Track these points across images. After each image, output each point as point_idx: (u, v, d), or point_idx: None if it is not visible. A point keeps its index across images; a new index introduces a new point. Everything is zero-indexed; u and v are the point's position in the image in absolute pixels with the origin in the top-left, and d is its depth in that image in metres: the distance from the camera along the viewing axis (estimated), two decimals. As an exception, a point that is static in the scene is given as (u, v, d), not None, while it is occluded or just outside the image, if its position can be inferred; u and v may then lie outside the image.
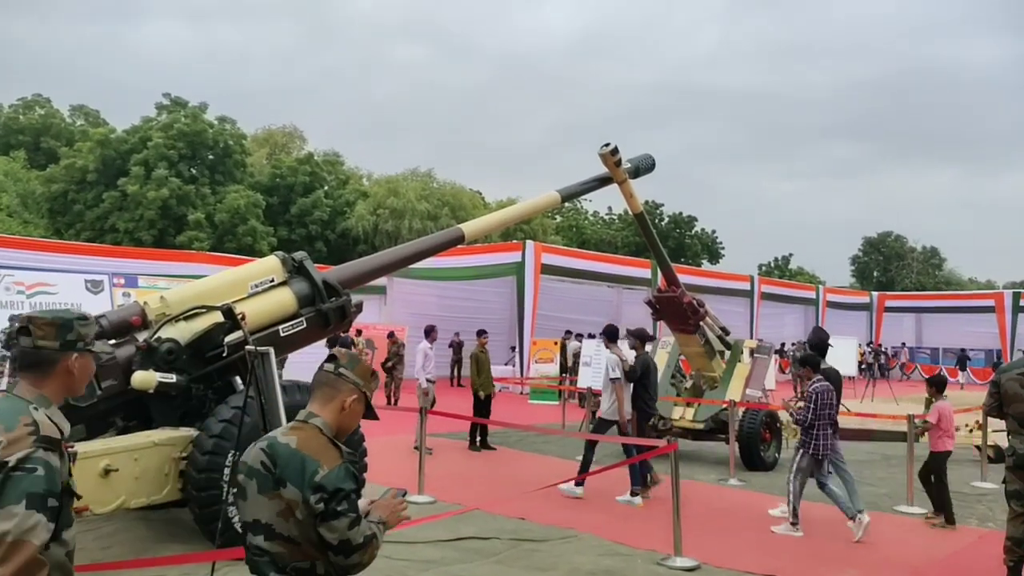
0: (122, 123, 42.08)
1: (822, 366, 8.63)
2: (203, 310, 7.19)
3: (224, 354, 6.93)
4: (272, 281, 7.68)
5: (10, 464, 2.27)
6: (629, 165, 11.13)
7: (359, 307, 8.29)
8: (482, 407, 13.10)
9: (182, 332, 7.04)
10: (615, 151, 10.58)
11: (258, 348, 5.13)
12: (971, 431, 12.65)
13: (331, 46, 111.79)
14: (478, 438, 12.85)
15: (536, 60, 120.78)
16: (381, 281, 28.05)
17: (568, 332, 23.52)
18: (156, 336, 6.90)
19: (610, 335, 10.15)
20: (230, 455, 6.25)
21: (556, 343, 23.52)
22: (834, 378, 8.60)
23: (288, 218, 42.10)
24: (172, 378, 6.77)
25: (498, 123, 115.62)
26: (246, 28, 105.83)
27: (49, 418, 2.42)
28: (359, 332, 21.63)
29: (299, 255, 8.05)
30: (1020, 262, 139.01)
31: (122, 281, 23.66)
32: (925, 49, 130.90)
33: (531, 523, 7.94)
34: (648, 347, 10.56)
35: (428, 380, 13.02)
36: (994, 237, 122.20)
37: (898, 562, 6.99)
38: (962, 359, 36.77)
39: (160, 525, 7.36)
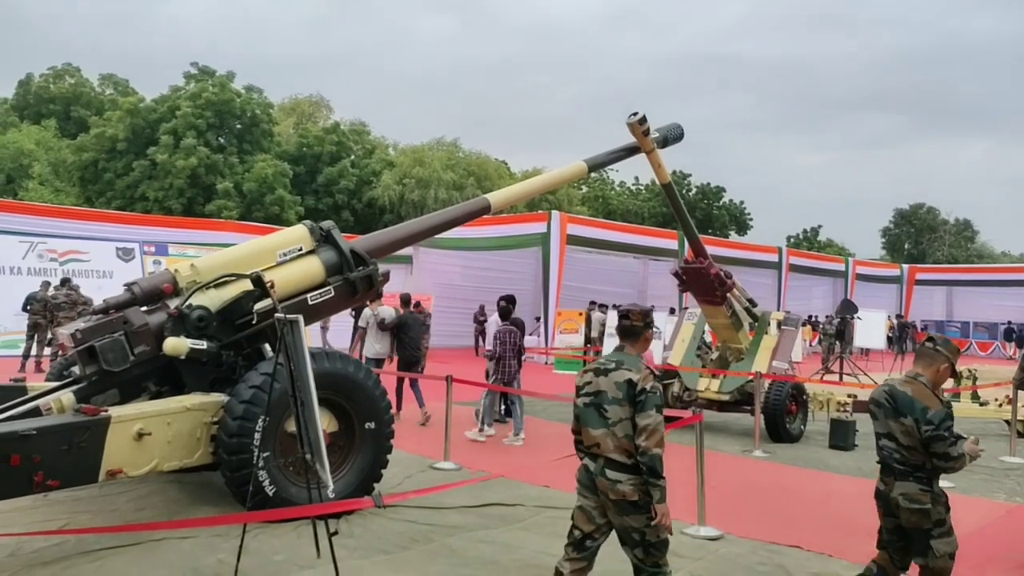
0: (151, 92, 42.49)
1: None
2: (233, 278, 7.29)
3: (253, 321, 7.05)
4: (300, 250, 7.76)
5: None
6: (657, 135, 11.02)
7: (386, 276, 8.35)
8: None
9: (212, 300, 7.15)
10: (643, 120, 10.46)
11: (287, 316, 5.18)
12: (1000, 405, 12.51)
13: (359, 16, 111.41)
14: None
15: (564, 32, 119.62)
16: (407, 251, 28.15)
17: (593, 303, 23.49)
18: (187, 303, 7.02)
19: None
20: (260, 420, 6.36)
21: (581, 314, 23.52)
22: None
23: (315, 187, 42.29)
24: (203, 344, 6.89)
25: (525, 95, 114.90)
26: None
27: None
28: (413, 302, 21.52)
29: (327, 224, 8.10)
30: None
31: (152, 249, 24.04)
32: (958, 20, 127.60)
33: (555, 491, 8.01)
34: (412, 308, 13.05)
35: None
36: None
37: (924, 535, 6.96)
38: (1008, 331, 36.12)
39: (193, 488, 7.53)
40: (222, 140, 40.21)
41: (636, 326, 4.47)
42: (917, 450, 4.51)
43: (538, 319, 26.21)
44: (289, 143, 44.28)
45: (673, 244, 28.60)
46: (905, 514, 4.62)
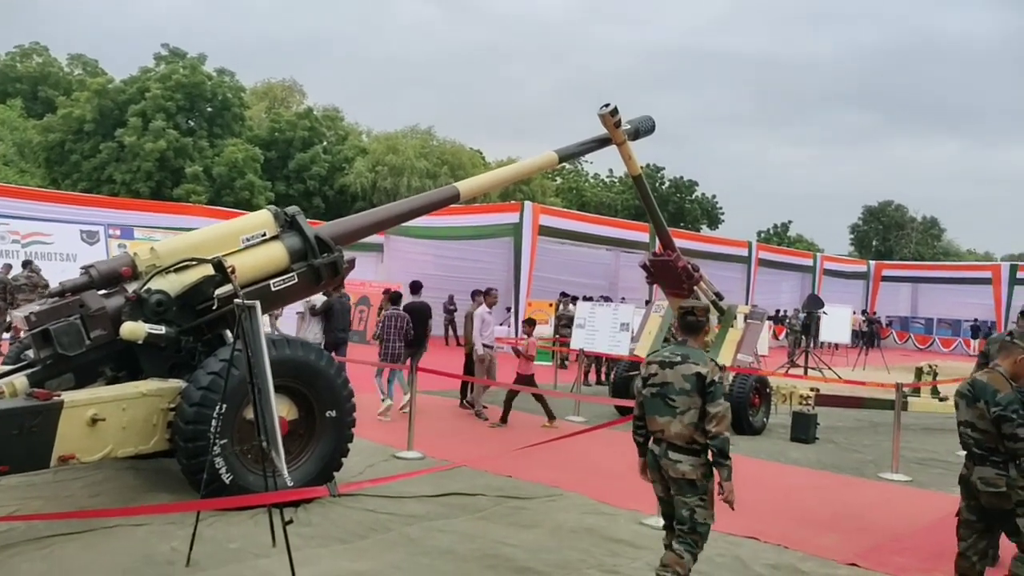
0: (121, 74, 41.71)
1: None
2: (194, 262, 7.19)
3: (214, 307, 6.95)
4: (264, 235, 7.67)
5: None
6: (629, 127, 11.00)
7: (351, 263, 8.27)
8: (474, 365, 13.07)
9: (172, 284, 7.05)
10: (615, 112, 10.44)
11: (245, 302, 5.11)
12: (960, 401, 12.72)
13: (335, 1, 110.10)
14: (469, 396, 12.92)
15: (543, 21, 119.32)
16: (378, 239, 28.08)
17: (563, 294, 23.50)
18: (146, 287, 6.91)
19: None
20: (217, 407, 6.27)
21: (551, 305, 23.53)
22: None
23: (286, 173, 41.88)
24: (161, 329, 6.79)
25: (502, 84, 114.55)
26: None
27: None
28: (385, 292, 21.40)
29: (292, 209, 8.01)
30: (1019, 235, 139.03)
31: (118, 232, 23.63)
32: (933, 19, 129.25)
33: (517, 480, 8.02)
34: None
35: (485, 346, 12.21)
36: (994, 209, 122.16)
37: (879, 528, 7.07)
38: (975, 328, 36.75)
39: (149, 474, 7.43)
40: (192, 123, 39.64)
41: (700, 321, 4.96)
42: (991, 434, 4.92)
43: (509, 309, 26.20)
44: (261, 128, 43.77)
45: (645, 237, 28.71)
46: (984, 497, 5.02)
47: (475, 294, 13.52)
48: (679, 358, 4.75)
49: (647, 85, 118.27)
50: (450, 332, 25.77)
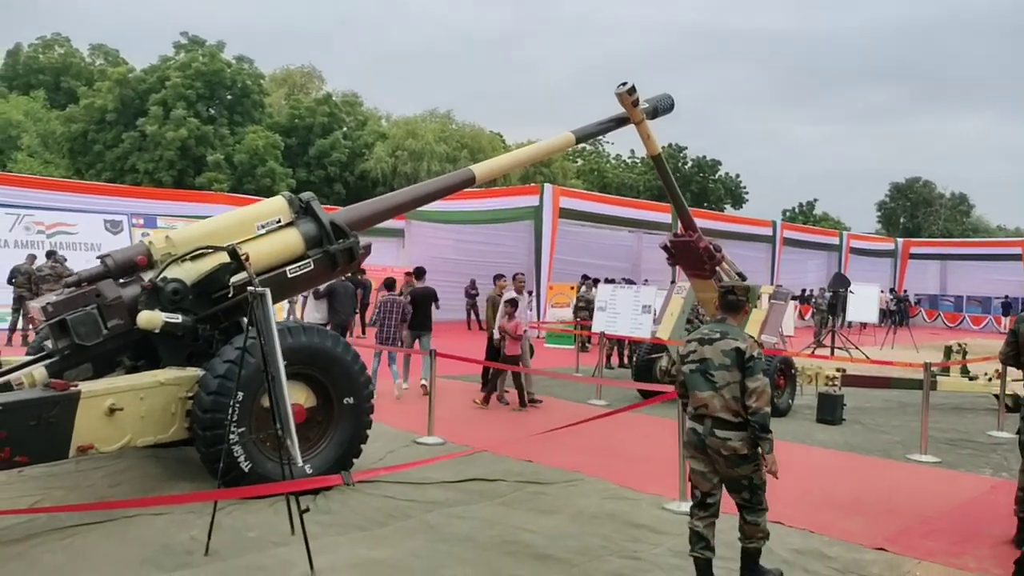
0: (142, 63, 41.83)
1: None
2: (209, 250, 7.16)
3: (230, 295, 6.93)
4: (279, 222, 7.61)
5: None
6: (647, 105, 10.84)
7: (368, 249, 8.21)
8: (495, 350, 12.98)
9: (188, 272, 7.02)
10: (632, 90, 10.28)
11: (256, 289, 5.06)
12: (990, 379, 12.47)
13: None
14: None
15: (561, 2, 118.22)
16: (399, 224, 28.09)
17: (585, 277, 23.37)
18: (162, 276, 6.89)
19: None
20: (235, 395, 6.24)
21: (572, 287, 23.42)
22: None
23: (307, 159, 41.92)
24: (178, 318, 6.78)
25: (521, 66, 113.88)
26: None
27: None
28: (409, 274, 21.31)
29: (306, 196, 7.95)
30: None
31: (141, 221, 23.80)
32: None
33: (538, 465, 7.95)
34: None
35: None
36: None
37: (908, 511, 6.91)
38: (1006, 305, 36.13)
39: (171, 463, 7.45)
40: (212, 111, 39.74)
41: (740, 300, 5.11)
42: None
43: (531, 293, 26.09)
44: (280, 114, 43.81)
45: (667, 218, 28.41)
46: None
47: (497, 278, 13.43)
48: (718, 335, 4.89)
49: (668, 65, 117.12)
50: (472, 316, 25.71)
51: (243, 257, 6.73)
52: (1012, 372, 10.20)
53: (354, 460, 7.10)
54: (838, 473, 8.29)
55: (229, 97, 40.60)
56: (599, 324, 15.70)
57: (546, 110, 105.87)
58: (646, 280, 25.78)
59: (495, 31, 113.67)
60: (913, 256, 41.90)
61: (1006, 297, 36.56)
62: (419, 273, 13.38)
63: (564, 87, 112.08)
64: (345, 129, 44.13)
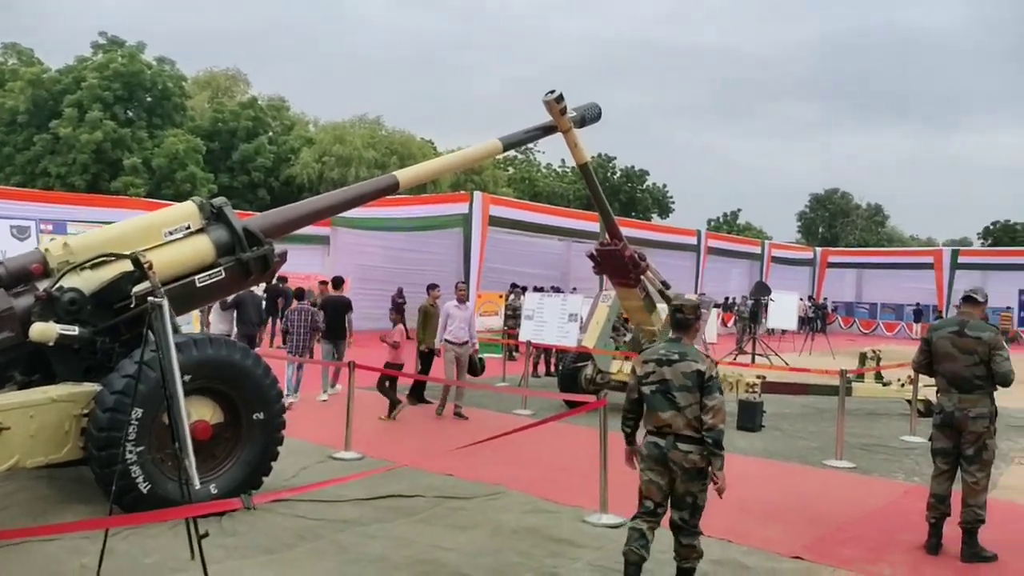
0: (59, 64, 40.09)
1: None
2: (111, 258, 6.79)
3: (132, 305, 6.57)
4: (188, 228, 7.28)
5: None
6: (575, 114, 10.83)
7: (283, 257, 7.91)
8: (425, 361, 12.70)
9: (87, 281, 6.65)
10: (560, 98, 10.27)
11: (153, 300, 4.76)
12: (903, 385, 12.83)
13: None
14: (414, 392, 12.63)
15: (496, 12, 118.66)
16: (324, 230, 27.51)
17: (513, 285, 23.30)
18: (58, 285, 6.50)
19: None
20: (133, 412, 5.91)
21: (501, 296, 23.32)
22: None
23: (230, 164, 40.84)
24: (74, 330, 6.39)
25: (456, 75, 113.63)
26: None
27: None
28: (323, 283, 20.80)
29: (218, 201, 7.64)
30: (961, 220, 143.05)
31: (50, 227, 22.67)
32: (877, 12, 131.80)
33: (459, 479, 7.78)
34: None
35: (448, 342, 11.60)
36: (937, 196, 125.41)
37: (824, 518, 6.99)
38: (916, 312, 37.54)
39: (65, 484, 7.01)
40: (131, 113, 38.35)
41: (689, 319, 5.13)
42: None
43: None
44: (203, 118, 42.57)
45: (596, 226, 28.47)
46: None
47: (431, 288, 13.13)
48: (676, 356, 4.98)
49: (600, 76, 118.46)
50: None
51: (146, 265, 6.43)
52: (924, 378, 10.51)
53: (264, 478, 6.79)
54: (758, 480, 8.35)
55: (149, 99, 39.25)
56: (526, 333, 15.59)
57: (480, 119, 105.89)
58: (574, 288, 25.88)
59: (430, 40, 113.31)
60: (831, 265, 43.24)
61: (917, 304, 38.03)
62: (336, 282, 13.52)
63: (498, 96, 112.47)
64: (271, 134, 43.19)
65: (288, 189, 40.55)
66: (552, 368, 17.60)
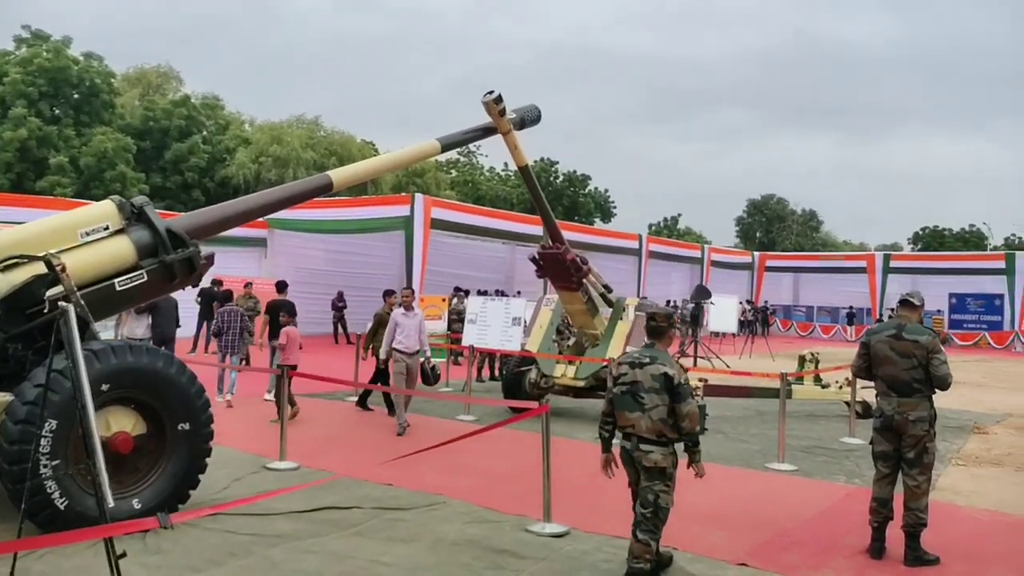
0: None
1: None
2: (24, 260, 6.35)
3: (46, 310, 6.14)
4: (107, 228, 6.87)
5: None
6: (514, 116, 10.70)
7: (210, 259, 7.55)
8: (382, 373, 11.59)
9: (-3, 285, 6.20)
10: (499, 99, 10.12)
11: (62, 305, 4.42)
12: (841, 387, 13.00)
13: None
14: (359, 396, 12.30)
15: (438, 14, 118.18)
16: (261, 232, 26.86)
17: (457, 288, 23.06)
18: (-36, 289, 6.04)
19: None
20: (46, 424, 5.52)
21: (444, 300, 23.03)
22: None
23: (162, 164, 39.62)
24: (-18, 337, 5.96)
25: (397, 77, 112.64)
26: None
27: None
28: (247, 285, 20.36)
29: (139, 200, 7.23)
30: (891, 226, 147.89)
31: (-33, 229, 21.65)
32: (812, 22, 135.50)
33: (399, 489, 7.52)
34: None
35: (397, 351, 10.76)
36: (868, 202, 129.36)
37: (767, 522, 6.94)
38: (849, 315, 38.49)
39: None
40: (56, 111, 36.87)
41: (661, 326, 5.42)
42: None
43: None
44: (133, 116, 41.21)
45: (540, 230, 28.47)
46: None
47: (387, 294, 12.66)
48: (648, 359, 5.24)
49: (540, 81, 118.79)
50: (339, 330, 24.84)
51: (59, 267, 6.03)
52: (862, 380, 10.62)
53: (191, 492, 6.44)
54: (700, 485, 8.23)
55: (76, 96, 37.80)
56: (469, 337, 15.37)
57: (420, 120, 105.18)
58: (519, 292, 25.78)
59: (370, 41, 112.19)
60: (769, 269, 44.09)
61: (851, 307, 39.02)
62: (280, 286, 13.69)
63: (439, 98, 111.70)
64: (205, 133, 42.06)
65: (224, 190, 39.52)
66: (496, 372, 17.42)
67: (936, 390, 6.04)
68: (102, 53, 40.70)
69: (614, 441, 5.50)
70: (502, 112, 10.22)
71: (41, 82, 35.47)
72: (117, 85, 42.27)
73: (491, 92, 10.11)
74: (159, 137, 39.89)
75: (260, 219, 26.34)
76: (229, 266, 23.56)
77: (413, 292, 11.62)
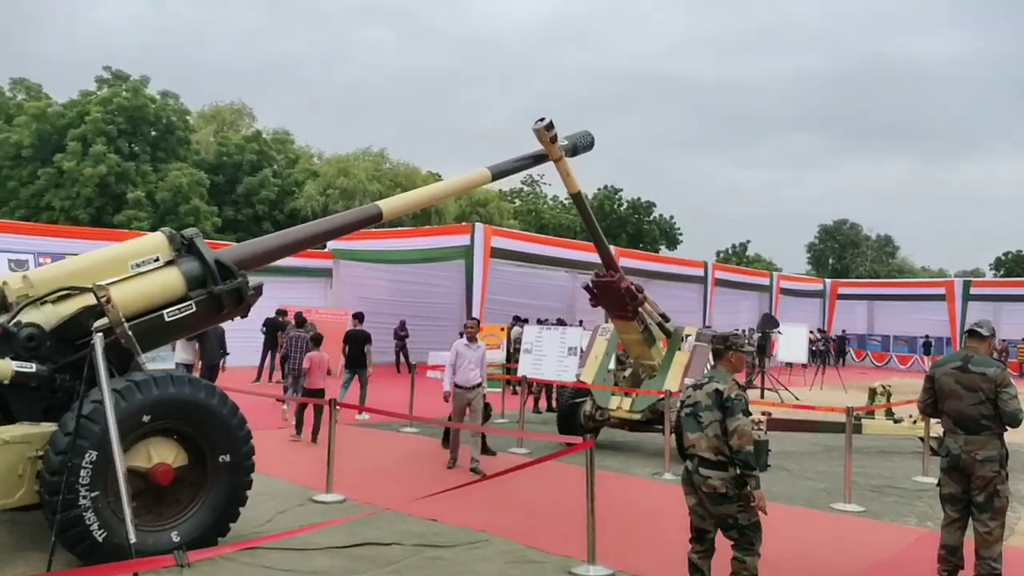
0: (66, 98, 40.30)
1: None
2: (75, 291, 6.47)
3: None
4: (157, 260, 6.96)
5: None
6: (566, 142, 10.59)
7: (258, 290, 7.56)
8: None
9: (47, 316, 6.32)
10: (550, 126, 10.02)
11: (94, 336, 4.43)
12: (915, 421, 12.32)
13: (294, 29, 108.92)
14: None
15: (501, 46, 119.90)
16: (326, 263, 27.33)
17: (516, 318, 22.92)
18: (15, 320, 6.16)
19: None
20: (87, 455, 5.55)
21: (503, 329, 22.92)
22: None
23: (235, 197, 40.79)
24: (32, 367, 6.07)
25: (461, 109, 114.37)
26: (207, 4, 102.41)
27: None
28: (298, 315, 20.58)
29: (190, 232, 7.34)
30: (971, 251, 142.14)
31: (48, 261, 22.54)
32: (882, 43, 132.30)
33: (442, 525, 7.35)
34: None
35: (457, 387, 10.24)
36: (947, 226, 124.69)
37: (827, 568, 6.52)
38: (926, 344, 37.01)
39: (25, 529, 6.61)
40: (135, 147, 38.39)
41: (717, 348, 5.49)
42: None
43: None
44: (208, 151, 42.64)
45: (600, 258, 28.25)
46: None
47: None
48: (707, 380, 5.32)
49: (603, 110, 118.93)
50: (400, 359, 24.93)
51: (103, 299, 6.10)
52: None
53: (231, 524, 6.39)
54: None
55: (153, 133, 39.32)
56: (524, 367, 15.20)
57: (487, 152, 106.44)
58: (581, 321, 25.44)
59: (435, 73, 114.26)
60: (841, 296, 42.65)
61: (927, 336, 37.42)
62: (359, 317, 15.18)
63: (505, 129, 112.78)
64: (275, 167, 43.19)
65: (293, 222, 40.27)
66: (554, 403, 17.14)
67: (1007, 427, 5.59)
68: (178, 92, 42.41)
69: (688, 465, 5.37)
70: (553, 139, 10.11)
71: (120, 120, 37.01)
72: (192, 122, 43.85)
73: (542, 119, 10.02)
74: (231, 171, 41.14)
75: (325, 250, 27.04)
76: (295, 296, 24.00)
77: (477, 323, 10.93)
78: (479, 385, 10.32)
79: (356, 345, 14.14)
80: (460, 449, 10.40)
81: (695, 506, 5.23)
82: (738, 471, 4.97)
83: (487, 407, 10.90)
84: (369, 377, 14.05)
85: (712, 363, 5.63)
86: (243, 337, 21.81)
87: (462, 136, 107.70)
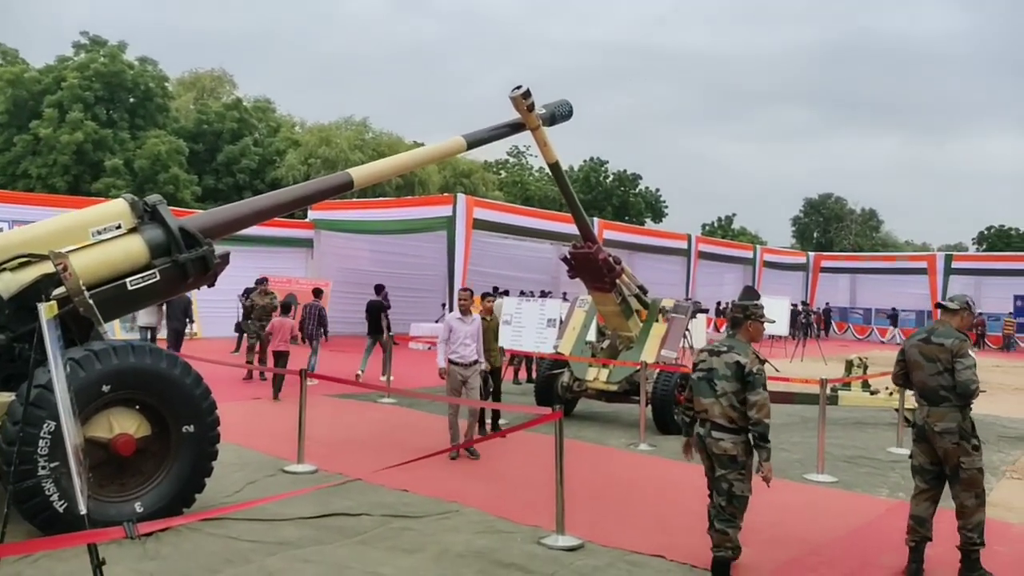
0: (42, 63, 39.43)
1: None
2: (34, 259, 6.32)
3: (53, 309, 6.07)
4: (119, 227, 6.80)
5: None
6: (544, 111, 10.46)
7: (225, 258, 7.43)
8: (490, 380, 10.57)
9: (7, 284, 6.22)
10: (527, 94, 9.89)
11: (39, 305, 4.30)
12: (891, 394, 12.36)
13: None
14: (488, 421, 10.84)
15: (490, 17, 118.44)
16: (307, 233, 27.09)
17: (495, 288, 22.79)
18: (-28, 288, 6.01)
19: None
20: (45, 425, 5.44)
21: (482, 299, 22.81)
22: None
23: (215, 166, 40.28)
24: (-12, 336, 5.93)
25: (450, 80, 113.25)
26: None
27: None
28: (262, 281, 19.90)
29: (153, 198, 7.17)
30: (956, 226, 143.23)
31: (23, 229, 22.22)
32: (874, 17, 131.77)
33: (413, 495, 7.30)
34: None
35: (451, 362, 9.22)
36: (932, 202, 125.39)
37: (798, 538, 6.52)
38: (893, 316, 37.34)
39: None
40: (112, 114, 37.74)
41: (737, 316, 5.58)
42: None
43: (444, 305, 25.41)
44: (187, 119, 42.01)
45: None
46: None
47: (484, 296, 10.91)
48: (725, 348, 5.41)
49: (592, 81, 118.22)
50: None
51: (60, 266, 5.95)
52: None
53: (196, 495, 6.30)
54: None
55: (131, 100, 38.63)
56: (504, 339, 15.10)
57: (475, 123, 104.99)
58: (564, 293, 25.39)
59: (423, 44, 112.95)
60: (824, 270, 42.82)
61: (892, 309, 37.76)
62: (378, 289, 17.25)
63: (493, 100, 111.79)
64: (256, 135, 42.63)
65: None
66: (533, 374, 17.12)
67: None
68: (157, 58, 41.62)
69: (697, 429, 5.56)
70: (531, 107, 9.99)
71: (97, 86, 36.33)
72: (171, 89, 43.11)
73: (519, 87, 9.88)
74: (212, 140, 40.59)
75: (307, 220, 26.78)
76: (276, 266, 23.76)
77: (471, 294, 9.71)
78: (476, 362, 9.32)
79: (373, 314, 16.18)
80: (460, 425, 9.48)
81: (710, 469, 5.46)
82: (750, 437, 5.23)
83: (487, 381, 10.22)
84: (382, 343, 15.38)
85: (730, 331, 5.62)
86: (219, 308, 21.71)
87: (449, 107, 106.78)
